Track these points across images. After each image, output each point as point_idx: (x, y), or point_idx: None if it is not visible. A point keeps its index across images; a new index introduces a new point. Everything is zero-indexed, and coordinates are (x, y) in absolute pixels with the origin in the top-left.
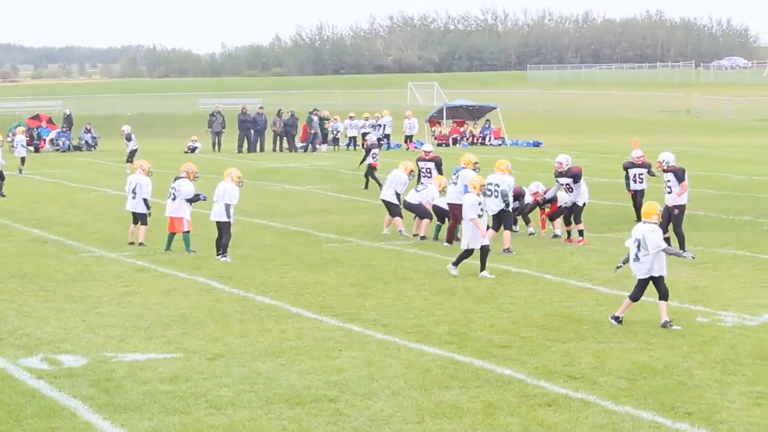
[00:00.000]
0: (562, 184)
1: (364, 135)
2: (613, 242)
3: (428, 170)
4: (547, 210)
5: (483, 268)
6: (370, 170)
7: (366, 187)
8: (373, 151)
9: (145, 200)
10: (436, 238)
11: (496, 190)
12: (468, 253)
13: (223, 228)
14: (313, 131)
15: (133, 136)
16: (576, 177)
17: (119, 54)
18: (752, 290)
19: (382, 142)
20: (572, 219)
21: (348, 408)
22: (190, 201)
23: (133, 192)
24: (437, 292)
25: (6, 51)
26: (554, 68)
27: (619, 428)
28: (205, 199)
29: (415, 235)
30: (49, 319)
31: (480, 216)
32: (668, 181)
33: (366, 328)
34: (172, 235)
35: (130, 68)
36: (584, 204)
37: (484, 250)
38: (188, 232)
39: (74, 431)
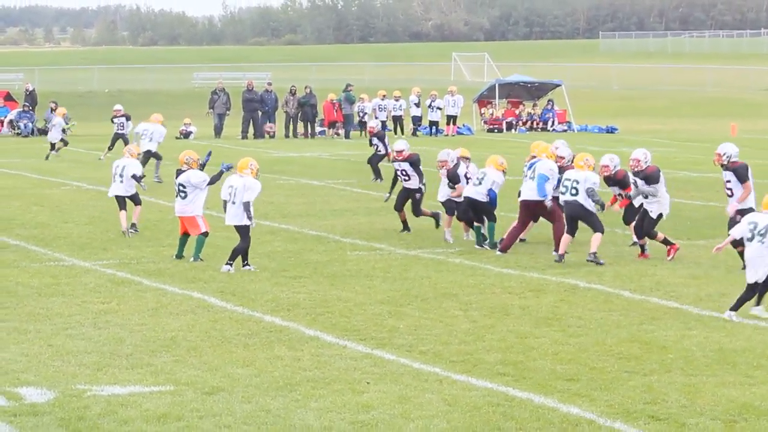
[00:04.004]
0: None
1: (396, 119)
2: (706, 251)
3: (404, 172)
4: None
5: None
6: (377, 158)
7: (378, 178)
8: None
9: (135, 176)
10: (479, 244)
11: (574, 188)
12: None
13: (242, 232)
14: (347, 113)
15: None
16: (650, 179)
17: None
18: None
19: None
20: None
21: None
22: (213, 182)
23: (120, 175)
24: (488, 312)
25: None
26: (633, 36)
27: None
28: (229, 169)
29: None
30: (7, 344)
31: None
32: (728, 181)
33: (400, 356)
34: (185, 238)
35: (108, 34)
36: (659, 216)
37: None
38: (206, 234)
39: None
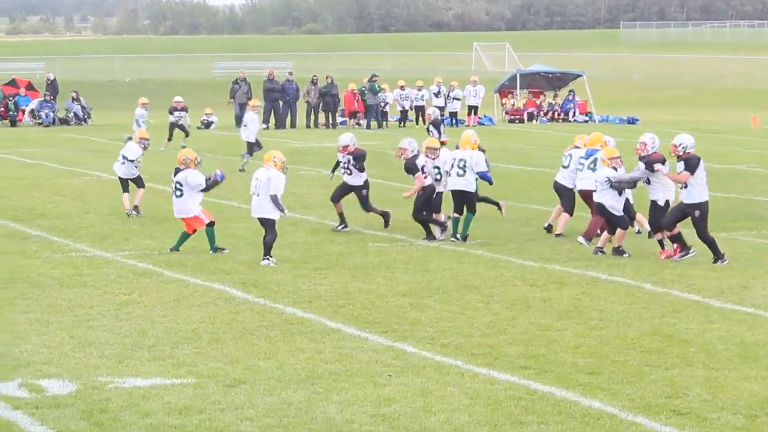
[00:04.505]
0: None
1: (418, 109)
2: (728, 243)
3: (346, 165)
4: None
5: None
6: None
7: None
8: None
9: (129, 160)
10: (454, 236)
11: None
12: None
13: (267, 225)
14: (370, 103)
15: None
16: (648, 163)
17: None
18: None
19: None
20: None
21: None
22: (208, 189)
23: (123, 157)
24: (509, 305)
25: None
26: (654, 26)
27: None
28: (223, 179)
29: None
30: (29, 335)
31: None
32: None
33: (422, 349)
34: (188, 236)
35: (129, 23)
36: (667, 203)
37: None
38: (212, 223)
39: None
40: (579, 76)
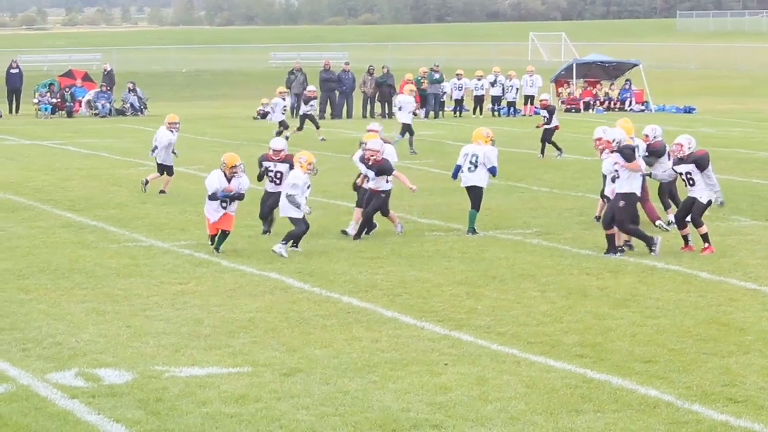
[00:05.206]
0: (681, 173)
1: (477, 99)
2: None
3: (278, 174)
4: None
5: None
6: (548, 133)
7: (560, 153)
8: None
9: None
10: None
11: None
12: None
13: (295, 222)
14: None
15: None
16: (699, 163)
17: None
18: None
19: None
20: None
21: None
22: (211, 199)
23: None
24: (566, 294)
25: None
26: (711, 15)
27: None
28: (225, 197)
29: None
30: (86, 325)
31: None
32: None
33: (478, 338)
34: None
35: (185, 14)
36: (709, 202)
37: None
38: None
39: None
40: (635, 65)
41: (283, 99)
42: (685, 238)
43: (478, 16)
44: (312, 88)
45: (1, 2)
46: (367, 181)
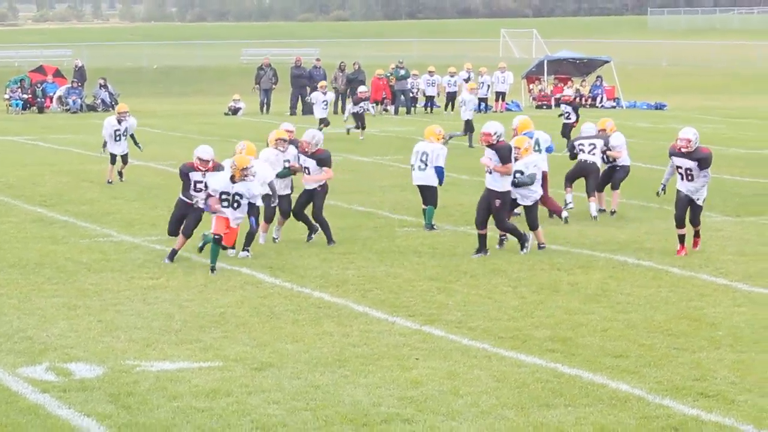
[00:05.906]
0: (680, 167)
1: (450, 96)
2: (755, 227)
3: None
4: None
5: None
6: (568, 128)
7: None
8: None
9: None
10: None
11: None
12: None
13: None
14: (397, 89)
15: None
16: (703, 161)
17: None
18: None
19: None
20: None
21: (426, 430)
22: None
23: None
24: (537, 289)
25: None
26: (682, 12)
27: None
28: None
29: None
30: (56, 319)
31: None
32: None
33: (449, 332)
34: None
35: (157, 10)
36: (703, 201)
37: None
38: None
39: None
40: (607, 62)
41: (324, 93)
42: (681, 238)
43: (450, 13)
44: (364, 89)
45: None
46: (307, 172)
